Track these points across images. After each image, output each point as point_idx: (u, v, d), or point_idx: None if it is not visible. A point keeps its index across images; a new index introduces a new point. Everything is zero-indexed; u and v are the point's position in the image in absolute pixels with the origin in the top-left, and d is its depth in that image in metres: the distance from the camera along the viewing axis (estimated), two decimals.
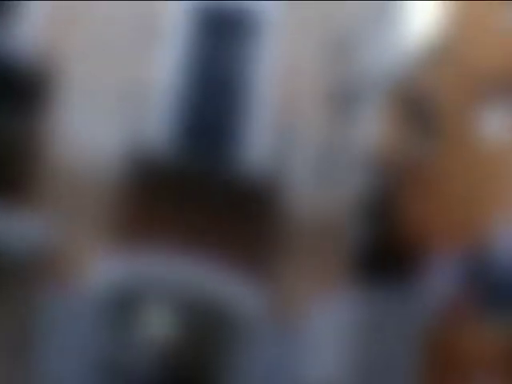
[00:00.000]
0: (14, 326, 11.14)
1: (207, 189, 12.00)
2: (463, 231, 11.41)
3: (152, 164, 11.92)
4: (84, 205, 11.91)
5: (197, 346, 11.77)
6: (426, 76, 14.81)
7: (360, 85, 14.13)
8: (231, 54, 13.41)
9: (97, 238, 11.90)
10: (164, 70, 12.77)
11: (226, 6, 13.12)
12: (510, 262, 9.61)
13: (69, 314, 11.23)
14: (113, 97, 12.45)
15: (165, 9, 12.62)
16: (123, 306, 11.86)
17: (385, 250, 12.86)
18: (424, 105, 14.69)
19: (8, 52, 11.74)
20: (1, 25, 11.94)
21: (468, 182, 12.19)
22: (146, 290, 11.93)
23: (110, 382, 11.50)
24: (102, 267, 11.68)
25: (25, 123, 11.85)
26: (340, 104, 13.72)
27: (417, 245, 12.46)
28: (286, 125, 12.88)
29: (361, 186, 13.26)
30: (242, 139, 12.71)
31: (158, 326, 11.91)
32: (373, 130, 14.63)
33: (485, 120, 12.18)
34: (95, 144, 12.10)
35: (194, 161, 12.04)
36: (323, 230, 12.47)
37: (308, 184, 12.82)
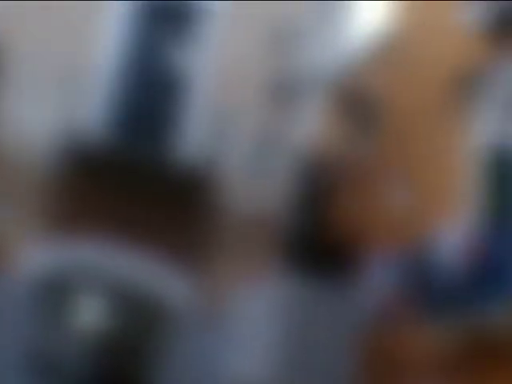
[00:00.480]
0: None
1: (141, 177, 11.96)
2: (401, 231, 11.51)
3: (87, 151, 11.79)
4: (16, 192, 11.84)
5: (128, 334, 11.80)
6: (370, 74, 14.89)
7: (301, 79, 14.20)
8: (172, 42, 13.37)
9: (29, 226, 11.80)
10: (103, 57, 12.74)
11: None
12: (449, 264, 9.72)
13: None
14: (50, 83, 12.39)
15: None
16: (55, 294, 11.81)
17: (318, 245, 12.95)
18: (366, 103, 14.79)
19: None
20: None
21: (407, 182, 12.30)
22: (78, 278, 11.87)
23: (40, 370, 11.48)
24: (34, 255, 11.59)
25: None
26: (280, 96, 13.78)
27: (352, 242, 12.57)
28: (224, 115, 12.88)
29: (295, 178, 13.39)
30: (179, 128, 12.70)
31: (89, 314, 11.91)
32: (311, 124, 14.77)
33: (430, 120, 12.28)
34: (29, 130, 12.04)
35: (128, 149, 11.96)
36: (256, 220, 12.54)
37: (243, 174, 12.86)
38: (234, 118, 13.00)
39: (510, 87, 10.53)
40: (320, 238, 13.22)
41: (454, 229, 9.82)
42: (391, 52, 14.33)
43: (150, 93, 12.88)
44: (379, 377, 10.49)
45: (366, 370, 10.57)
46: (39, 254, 11.68)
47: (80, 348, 11.81)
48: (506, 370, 8.85)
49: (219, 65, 13.36)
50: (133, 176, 12.00)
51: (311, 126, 14.33)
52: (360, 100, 15.16)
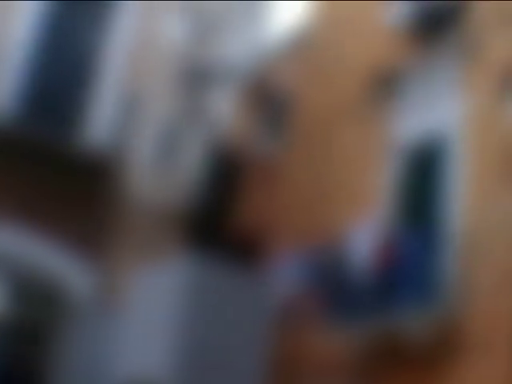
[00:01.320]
0: None
1: (45, 160, 11.54)
2: (311, 230, 11.43)
3: None
4: None
5: (27, 320, 11.40)
6: (283, 71, 14.86)
7: (215, 70, 14.04)
8: (84, 25, 13.02)
9: None
10: (14, 39, 12.29)
11: None
12: (360, 264, 9.65)
13: None
14: None
15: None
16: None
17: (224, 236, 12.81)
18: (277, 99, 14.75)
19: None
20: None
21: (318, 181, 12.25)
22: None
23: None
24: None
25: None
26: (192, 86, 13.59)
27: (258, 237, 12.45)
28: (134, 101, 12.62)
29: (203, 168, 13.25)
30: (88, 113, 12.36)
31: None
32: (222, 116, 14.68)
33: (345, 119, 12.24)
34: None
35: (33, 130, 11.54)
36: (161, 209, 12.33)
37: (150, 162, 12.64)
38: (144, 105, 12.72)
39: (428, 86, 10.58)
40: (226, 229, 13.09)
41: (366, 229, 9.80)
42: (307, 49, 14.31)
43: (60, 76, 12.47)
44: (281, 376, 10.37)
45: (268, 366, 10.42)
46: None
47: None
48: (412, 373, 8.88)
49: (131, 50, 13.06)
50: (36, 158, 11.55)
51: (222, 119, 14.23)
52: (271, 96, 15.12)
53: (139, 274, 10.74)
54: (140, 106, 12.69)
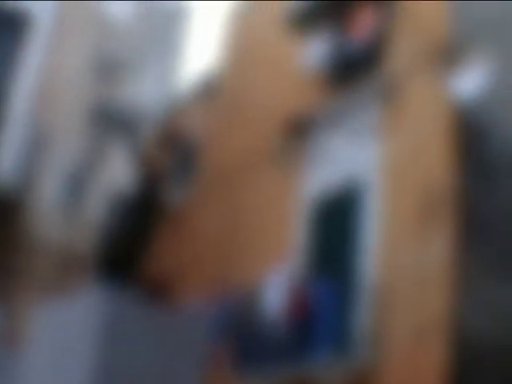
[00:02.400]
0: None
1: None
2: (222, 278, 11.23)
3: None
4: None
5: None
6: (197, 116, 14.77)
7: (124, 112, 13.81)
8: None
9: None
10: None
11: None
12: (272, 314, 9.48)
13: None
14: None
15: None
16: None
17: (130, 278, 12.50)
18: (186, 145, 14.61)
19: None
20: None
21: (229, 228, 12.09)
22: None
23: None
24: None
25: None
26: (101, 126, 13.32)
27: (166, 284, 12.20)
28: (40, 139, 12.28)
29: (109, 209, 12.93)
30: None
31: None
32: (130, 157, 14.41)
33: (257, 165, 12.14)
34: None
35: None
36: (66, 249, 11.97)
37: (55, 201, 12.27)
38: (52, 144, 12.38)
39: (344, 132, 10.58)
40: (133, 272, 12.78)
41: (279, 278, 9.68)
42: (219, 95, 14.25)
43: None
44: None
45: None
46: None
47: None
48: None
49: (39, 87, 12.73)
50: None
51: (132, 161, 14.00)
52: (182, 141, 14.99)
53: (44, 312, 10.32)
54: (47, 144, 12.33)
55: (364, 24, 10.91)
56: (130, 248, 13.43)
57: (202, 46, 15.96)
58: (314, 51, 11.65)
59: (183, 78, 15.91)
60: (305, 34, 12.20)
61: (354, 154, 10.24)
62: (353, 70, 10.87)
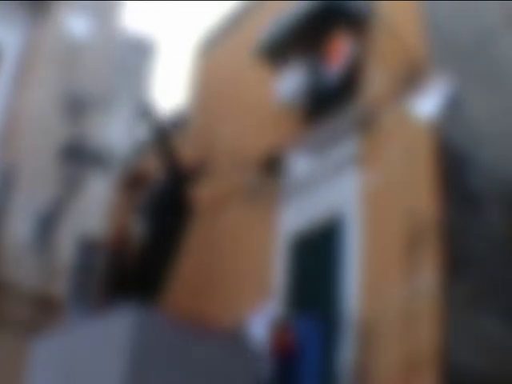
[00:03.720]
0: None
1: None
2: (199, 317, 10.89)
3: None
4: None
5: None
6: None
7: (90, 152, 13.50)
8: None
9: None
10: None
11: None
12: (257, 352, 9.14)
13: None
14: None
15: None
16: None
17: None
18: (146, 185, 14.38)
19: None
20: None
21: (208, 265, 11.79)
22: None
23: None
24: None
25: None
26: (68, 165, 12.98)
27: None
28: (7, 177, 11.93)
29: (78, 253, 12.62)
30: None
31: None
32: (97, 200, 14.12)
33: (234, 205, 11.87)
34: None
35: None
36: (37, 293, 11.58)
37: (23, 243, 11.88)
38: (18, 183, 12.01)
39: (322, 164, 10.35)
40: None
41: (261, 316, 9.37)
42: (187, 135, 14.02)
43: None
44: None
45: None
46: None
47: None
48: None
49: (4, 126, 12.41)
50: None
51: (97, 202, 13.74)
52: (145, 183, 14.75)
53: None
54: (15, 183, 11.96)
55: (338, 52, 10.75)
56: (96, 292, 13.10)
57: (169, 82, 15.78)
58: (287, 82, 11.45)
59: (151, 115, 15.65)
60: (277, 66, 12.03)
61: (333, 186, 10.00)
62: (329, 99, 10.69)
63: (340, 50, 10.82)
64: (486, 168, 9.70)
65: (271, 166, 11.14)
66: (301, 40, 11.57)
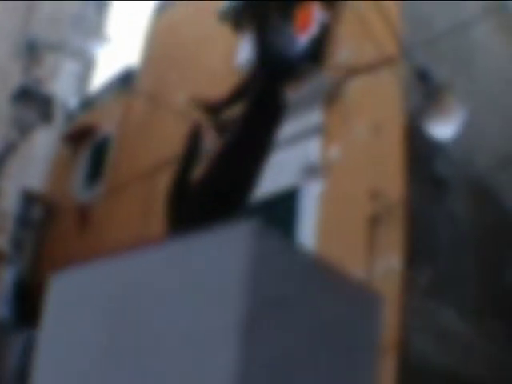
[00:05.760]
0: None
1: None
2: None
3: None
4: None
5: None
6: (113, 110, 14.05)
7: (41, 99, 12.88)
8: None
9: None
10: None
11: None
12: None
13: None
14: None
15: None
16: None
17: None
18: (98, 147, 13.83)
19: None
20: None
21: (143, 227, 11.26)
22: None
23: None
24: None
25: None
26: (18, 111, 12.32)
27: None
28: None
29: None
30: None
31: None
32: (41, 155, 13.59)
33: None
34: None
35: None
36: None
37: None
38: None
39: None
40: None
41: None
42: (137, 92, 13.40)
43: None
44: None
45: None
46: None
47: None
48: None
49: None
50: None
51: (43, 154, 13.20)
52: (89, 138, 14.26)
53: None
54: None
55: (307, 20, 10.19)
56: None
57: (123, 38, 15.11)
58: (248, 48, 10.85)
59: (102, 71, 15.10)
60: (240, 30, 11.44)
61: (294, 157, 9.40)
62: (293, 68, 10.10)
63: (309, 19, 10.28)
64: (453, 155, 9.29)
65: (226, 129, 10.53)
66: (269, 5, 10.99)
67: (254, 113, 2.50)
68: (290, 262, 3.07)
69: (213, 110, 3.13)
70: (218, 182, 2.78)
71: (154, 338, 2.88)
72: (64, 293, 3.38)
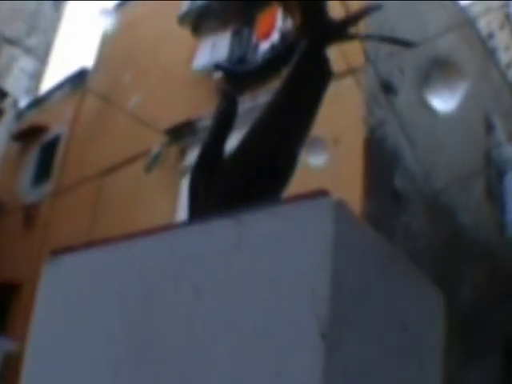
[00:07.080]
0: None
1: None
2: None
3: None
4: None
5: None
6: (65, 109, 13.73)
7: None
8: None
9: None
10: None
11: None
12: None
13: None
14: None
15: None
16: None
17: None
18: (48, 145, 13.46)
19: None
20: None
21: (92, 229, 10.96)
22: None
23: None
24: None
25: None
26: None
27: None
28: None
29: None
30: None
31: None
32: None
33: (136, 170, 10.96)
34: None
35: None
36: None
37: None
38: None
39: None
40: None
41: None
42: (90, 91, 13.07)
43: None
44: None
45: None
46: None
47: None
48: None
49: None
50: None
51: None
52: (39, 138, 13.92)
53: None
54: None
55: (269, 25, 10.03)
56: None
57: (79, 38, 14.82)
58: (210, 52, 10.64)
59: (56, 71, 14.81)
60: (198, 35, 11.24)
61: None
62: (253, 72, 9.90)
63: (271, 24, 10.11)
64: (412, 169, 9.17)
65: (181, 135, 10.31)
66: (230, 9, 10.83)
67: (300, 76, 2.21)
68: (371, 249, 2.41)
69: (241, 77, 2.83)
70: (262, 151, 2.41)
71: (198, 344, 1.89)
72: (64, 282, 2.20)
